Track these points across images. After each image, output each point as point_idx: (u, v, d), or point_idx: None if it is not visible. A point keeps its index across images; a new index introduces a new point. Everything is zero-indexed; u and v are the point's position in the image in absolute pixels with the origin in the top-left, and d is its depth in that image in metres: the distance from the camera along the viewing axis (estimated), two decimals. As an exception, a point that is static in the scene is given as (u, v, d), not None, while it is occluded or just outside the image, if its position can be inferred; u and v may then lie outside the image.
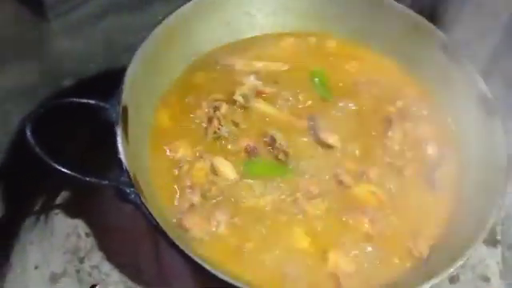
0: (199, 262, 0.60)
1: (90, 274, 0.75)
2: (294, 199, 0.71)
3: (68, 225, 0.79)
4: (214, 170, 0.73)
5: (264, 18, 0.91)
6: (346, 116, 0.80)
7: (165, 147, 0.75)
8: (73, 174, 0.63)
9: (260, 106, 0.80)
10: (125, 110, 0.70)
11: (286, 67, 0.86)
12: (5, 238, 0.81)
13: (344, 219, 0.71)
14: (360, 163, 0.76)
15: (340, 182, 0.74)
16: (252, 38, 0.90)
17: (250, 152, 0.76)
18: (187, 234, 0.67)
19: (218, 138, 0.76)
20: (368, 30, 0.88)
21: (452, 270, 0.62)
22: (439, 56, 0.82)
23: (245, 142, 0.76)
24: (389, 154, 0.77)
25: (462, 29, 1.06)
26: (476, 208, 0.70)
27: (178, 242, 0.60)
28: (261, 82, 0.83)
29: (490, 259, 0.82)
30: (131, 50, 0.74)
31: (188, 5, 0.82)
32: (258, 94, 0.82)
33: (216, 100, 0.79)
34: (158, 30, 0.78)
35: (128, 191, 0.63)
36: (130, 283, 0.74)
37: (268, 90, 0.82)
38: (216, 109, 0.78)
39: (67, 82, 0.92)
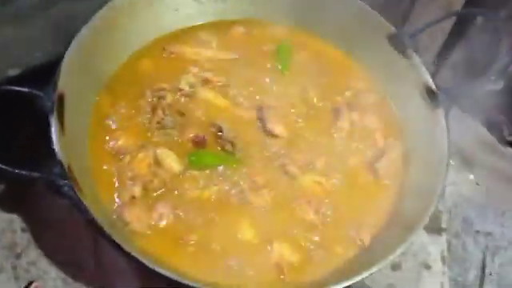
0: (138, 257, 0.58)
1: (27, 271, 0.72)
2: (239, 190, 0.70)
3: (3, 219, 0.75)
4: (157, 162, 0.70)
5: (213, 5, 0.88)
6: (294, 107, 0.80)
7: (106, 137, 0.72)
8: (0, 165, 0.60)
9: (207, 94, 0.79)
10: (61, 97, 0.66)
11: (235, 56, 0.84)
12: None
13: (289, 209, 0.70)
14: (307, 153, 0.75)
15: (286, 172, 0.73)
16: (201, 25, 0.88)
17: (198, 143, 0.74)
18: (127, 228, 0.65)
19: (162, 128, 0.74)
20: (316, 19, 0.87)
21: (392, 257, 0.62)
22: (386, 46, 0.83)
23: (191, 133, 0.74)
24: (336, 144, 0.77)
25: (414, 20, 1.08)
26: (418, 197, 0.71)
27: (115, 237, 0.58)
28: (209, 72, 0.81)
29: (432, 247, 0.84)
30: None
31: (132, -11, 0.79)
32: (206, 83, 0.80)
33: (161, 89, 0.77)
34: (99, 15, 0.74)
35: (61, 183, 0.60)
36: (69, 280, 0.71)
37: (216, 79, 0.80)
38: (161, 98, 0.76)
39: (13, 72, 0.87)
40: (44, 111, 0.66)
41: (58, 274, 0.71)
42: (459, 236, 0.96)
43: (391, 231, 0.69)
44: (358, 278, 0.60)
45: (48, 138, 0.63)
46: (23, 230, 0.74)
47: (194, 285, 0.58)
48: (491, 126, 1.13)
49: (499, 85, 1.11)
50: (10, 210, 0.75)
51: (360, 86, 0.84)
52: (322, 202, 0.72)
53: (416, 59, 0.81)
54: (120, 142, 0.71)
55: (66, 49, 0.71)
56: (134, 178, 0.68)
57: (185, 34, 0.86)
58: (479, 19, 1.04)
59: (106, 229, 0.58)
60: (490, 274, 0.90)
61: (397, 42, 0.82)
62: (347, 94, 0.83)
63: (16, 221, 0.75)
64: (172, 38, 0.85)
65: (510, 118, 1.13)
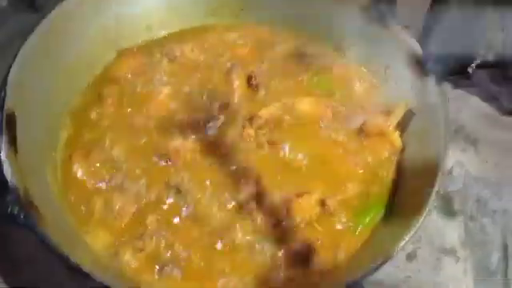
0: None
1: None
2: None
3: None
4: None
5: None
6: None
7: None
8: None
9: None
10: (10, 117, 0.59)
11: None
12: None
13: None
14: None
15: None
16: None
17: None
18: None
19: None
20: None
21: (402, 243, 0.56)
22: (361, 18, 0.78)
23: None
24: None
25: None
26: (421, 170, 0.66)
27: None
28: None
29: (447, 230, 0.77)
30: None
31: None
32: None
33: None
34: (41, 28, 0.68)
35: (16, 212, 0.52)
36: None
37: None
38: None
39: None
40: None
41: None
42: (475, 218, 0.89)
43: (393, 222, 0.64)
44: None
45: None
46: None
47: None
48: (489, 99, 1.08)
49: (490, 57, 1.06)
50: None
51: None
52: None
53: (396, 27, 0.77)
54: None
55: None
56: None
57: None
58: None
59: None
60: (515, 254, 0.83)
61: (374, 14, 0.77)
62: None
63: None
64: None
65: (507, 87, 1.08)
